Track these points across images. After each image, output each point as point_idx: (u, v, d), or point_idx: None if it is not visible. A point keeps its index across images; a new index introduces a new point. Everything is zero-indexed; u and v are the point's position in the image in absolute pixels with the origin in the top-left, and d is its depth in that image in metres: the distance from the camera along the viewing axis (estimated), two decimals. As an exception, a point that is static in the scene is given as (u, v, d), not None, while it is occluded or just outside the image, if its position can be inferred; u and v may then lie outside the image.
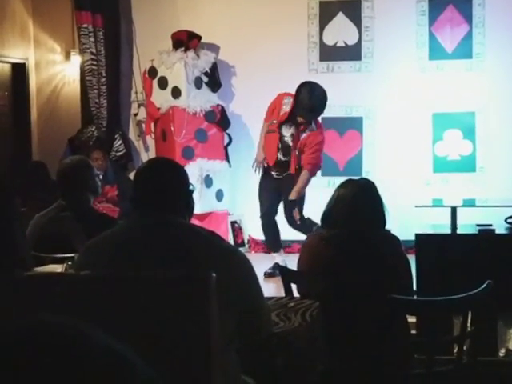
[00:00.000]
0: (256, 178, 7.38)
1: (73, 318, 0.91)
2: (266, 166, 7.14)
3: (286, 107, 6.96)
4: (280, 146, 6.98)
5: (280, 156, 7.00)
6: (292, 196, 6.89)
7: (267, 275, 6.88)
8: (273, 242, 7.33)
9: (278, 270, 6.61)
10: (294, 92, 6.92)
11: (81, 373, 0.85)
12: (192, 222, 3.03)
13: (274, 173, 7.09)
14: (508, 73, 8.00)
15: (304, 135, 6.91)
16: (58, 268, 3.76)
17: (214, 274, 2.23)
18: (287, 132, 6.99)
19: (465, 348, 3.60)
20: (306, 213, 6.80)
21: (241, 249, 6.95)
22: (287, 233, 7.30)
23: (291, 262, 4.27)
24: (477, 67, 8.10)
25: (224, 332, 2.47)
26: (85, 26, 8.54)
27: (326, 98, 6.87)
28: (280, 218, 7.17)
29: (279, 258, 7.18)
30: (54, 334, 0.88)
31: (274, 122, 7.01)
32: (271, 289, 6.24)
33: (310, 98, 6.79)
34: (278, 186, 7.08)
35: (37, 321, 0.90)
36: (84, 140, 8.55)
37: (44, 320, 0.90)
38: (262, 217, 7.21)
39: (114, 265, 2.63)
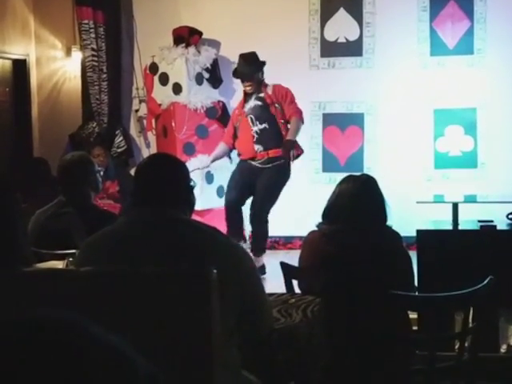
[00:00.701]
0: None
1: (74, 313, 0.91)
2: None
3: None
4: (254, 133, 7.00)
5: (258, 146, 6.97)
6: (289, 136, 6.83)
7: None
8: (236, 232, 6.98)
9: (261, 273, 6.56)
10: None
11: (81, 368, 0.84)
12: (193, 218, 3.03)
13: (255, 163, 7.01)
14: (509, 69, 7.99)
15: (263, 93, 7.01)
16: (59, 264, 3.75)
17: (214, 270, 2.23)
18: (251, 108, 7.03)
19: (466, 344, 3.60)
20: (307, 209, 6.76)
21: (242, 245, 6.95)
22: (288, 229, 7.30)
23: (292, 258, 4.26)
24: (478, 63, 8.10)
25: (225, 327, 2.47)
26: (86, 21, 8.54)
27: (252, 55, 7.15)
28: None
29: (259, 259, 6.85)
30: (54, 329, 0.88)
31: (240, 118, 7.14)
32: (272, 285, 6.24)
33: (239, 63, 7.15)
34: (254, 176, 6.97)
35: (38, 315, 0.89)
36: (85, 136, 8.54)
37: (45, 314, 0.90)
38: (228, 203, 7.12)
39: (114, 261, 2.62)
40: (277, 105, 6.93)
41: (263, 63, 7.11)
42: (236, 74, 7.27)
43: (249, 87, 7.03)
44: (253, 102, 7.02)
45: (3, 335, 0.86)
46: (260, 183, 6.86)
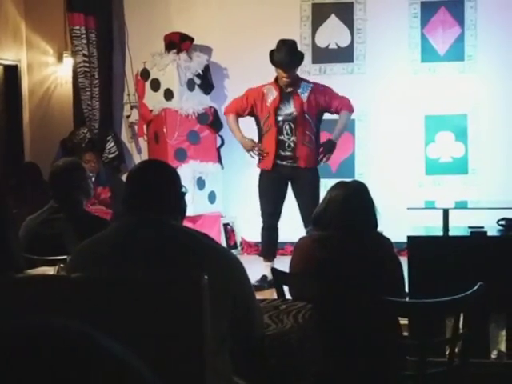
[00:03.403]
0: (248, 179, 7.37)
1: (76, 321, 0.91)
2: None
3: (271, 94, 6.66)
4: (278, 141, 6.60)
5: (280, 152, 6.62)
6: (334, 138, 6.66)
7: (254, 288, 6.65)
8: (270, 249, 6.85)
9: (267, 284, 6.55)
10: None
11: (85, 376, 0.85)
12: (184, 224, 3.03)
13: (283, 162, 6.65)
14: (500, 75, 8.02)
15: (306, 94, 6.61)
16: (50, 270, 3.75)
17: (205, 276, 2.23)
18: (286, 113, 6.59)
19: (457, 350, 3.61)
20: (299, 215, 6.75)
21: (233, 251, 6.96)
22: (280, 235, 7.28)
23: (283, 264, 4.26)
24: (469, 69, 8.13)
25: (216, 333, 2.47)
26: (77, 27, 8.54)
27: (296, 44, 6.80)
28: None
29: (268, 269, 6.70)
30: (58, 337, 0.88)
31: (267, 116, 6.64)
32: (264, 291, 6.25)
33: (285, 52, 6.59)
34: (287, 178, 6.66)
35: (41, 323, 0.89)
36: (76, 142, 8.54)
37: (48, 322, 0.90)
38: (266, 221, 6.77)
39: (105, 267, 2.62)
40: (307, 115, 6.56)
41: (303, 55, 6.82)
42: (284, 66, 6.59)
43: (294, 85, 6.63)
44: (292, 101, 6.62)
45: (6, 342, 0.86)
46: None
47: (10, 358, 0.84)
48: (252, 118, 6.84)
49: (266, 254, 6.89)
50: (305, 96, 6.61)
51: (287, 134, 6.60)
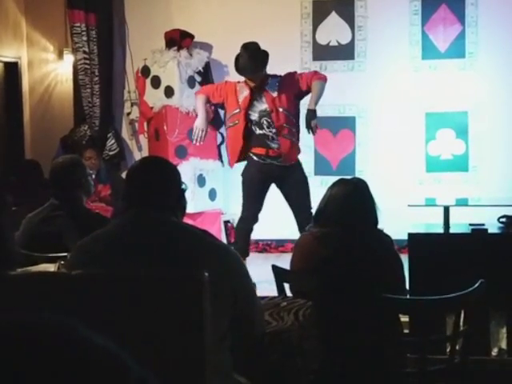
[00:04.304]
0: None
1: (68, 317, 0.91)
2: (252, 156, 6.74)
3: (243, 92, 6.68)
4: (260, 135, 6.63)
5: (267, 143, 6.62)
6: (311, 106, 6.58)
7: None
8: (244, 248, 6.77)
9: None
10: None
11: (75, 372, 0.84)
12: (185, 221, 3.03)
13: (272, 161, 6.66)
14: (501, 72, 8.01)
15: (275, 89, 6.62)
16: (51, 267, 3.75)
17: (206, 273, 2.23)
18: (260, 110, 6.62)
19: (457, 347, 3.60)
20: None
21: (234, 248, 6.94)
22: (280, 232, 7.30)
23: (284, 261, 4.26)
24: (470, 67, 8.12)
25: (217, 330, 2.47)
26: (77, 24, 8.54)
27: (257, 46, 6.72)
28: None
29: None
30: (49, 333, 0.87)
31: (237, 111, 6.67)
32: (264, 288, 6.24)
33: (246, 58, 6.58)
34: (272, 179, 6.69)
35: (32, 319, 0.89)
36: (77, 139, 8.54)
37: (39, 318, 0.89)
38: (243, 220, 6.79)
39: (106, 264, 2.62)
40: (281, 109, 6.59)
41: (267, 55, 6.74)
42: (249, 72, 6.64)
43: (254, 83, 6.64)
44: (264, 99, 6.64)
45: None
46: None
47: None
48: None
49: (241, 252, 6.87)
50: (274, 91, 6.64)
51: (267, 127, 6.64)
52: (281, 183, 6.69)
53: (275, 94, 6.63)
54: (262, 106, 6.65)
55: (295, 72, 6.78)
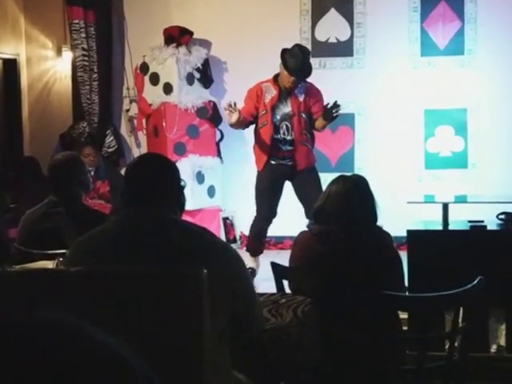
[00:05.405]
0: (247, 173, 7.35)
1: (71, 315, 0.90)
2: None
3: (270, 92, 6.63)
4: (274, 139, 6.58)
5: (279, 147, 6.60)
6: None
7: None
8: (258, 245, 6.93)
9: (253, 277, 6.54)
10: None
11: (79, 371, 0.84)
12: (184, 218, 3.03)
13: (281, 161, 6.63)
14: (500, 69, 8.01)
15: (302, 94, 6.61)
16: (49, 264, 3.75)
17: (205, 271, 2.23)
18: (283, 112, 6.59)
19: (456, 344, 3.60)
20: (298, 209, 6.73)
21: (233, 245, 6.94)
22: (279, 229, 7.29)
23: (283, 258, 4.26)
24: (469, 63, 8.11)
25: (216, 328, 2.47)
26: (76, 21, 8.52)
27: (309, 52, 6.80)
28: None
29: (254, 263, 6.85)
30: (52, 331, 0.87)
31: (263, 112, 6.63)
32: (263, 285, 6.24)
33: (302, 62, 6.55)
34: (285, 178, 6.65)
35: (35, 316, 0.89)
36: (75, 136, 8.53)
37: (42, 316, 0.89)
38: (260, 219, 6.78)
39: (104, 261, 2.62)
40: (303, 115, 6.58)
41: None
42: (295, 73, 6.54)
43: (292, 85, 6.59)
44: (290, 101, 6.63)
45: (1, 336, 0.86)
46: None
47: None
48: None
49: (253, 250, 6.95)
50: (301, 96, 6.63)
51: (284, 133, 6.61)
52: (293, 178, 6.65)
53: (301, 99, 6.63)
54: (286, 108, 6.62)
55: (321, 94, 6.75)
